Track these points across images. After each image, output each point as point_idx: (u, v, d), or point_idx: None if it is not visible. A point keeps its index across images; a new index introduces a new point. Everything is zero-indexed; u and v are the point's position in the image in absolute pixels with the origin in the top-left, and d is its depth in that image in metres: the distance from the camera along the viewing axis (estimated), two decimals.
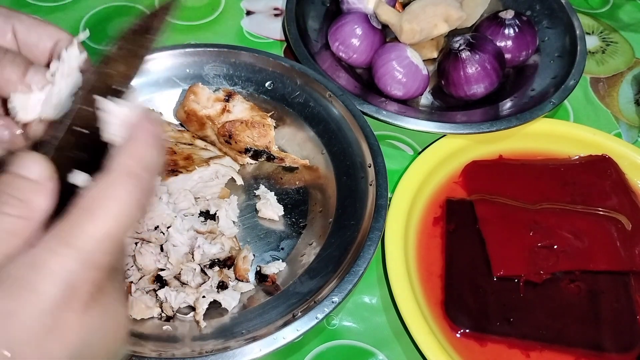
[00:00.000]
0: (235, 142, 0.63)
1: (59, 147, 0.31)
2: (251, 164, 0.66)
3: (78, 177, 0.31)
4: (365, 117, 0.64)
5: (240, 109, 0.64)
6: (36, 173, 0.29)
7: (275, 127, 0.64)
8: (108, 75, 0.34)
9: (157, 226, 0.56)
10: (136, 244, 0.55)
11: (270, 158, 0.64)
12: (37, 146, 0.32)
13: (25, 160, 0.29)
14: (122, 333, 0.30)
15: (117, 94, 0.33)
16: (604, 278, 0.57)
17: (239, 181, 0.63)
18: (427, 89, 0.73)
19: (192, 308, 0.54)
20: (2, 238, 0.27)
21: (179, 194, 0.58)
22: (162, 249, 0.56)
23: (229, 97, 0.65)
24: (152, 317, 0.54)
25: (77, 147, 0.32)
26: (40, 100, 0.36)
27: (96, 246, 0.27)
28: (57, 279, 0.26)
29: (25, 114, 0.36)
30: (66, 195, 0.29)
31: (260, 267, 0.57)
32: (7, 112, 0.36)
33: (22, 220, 0.28)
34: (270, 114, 0.66)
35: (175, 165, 0.59)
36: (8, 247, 0.27)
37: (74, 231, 0.27)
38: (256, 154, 0.64)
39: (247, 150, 0.64)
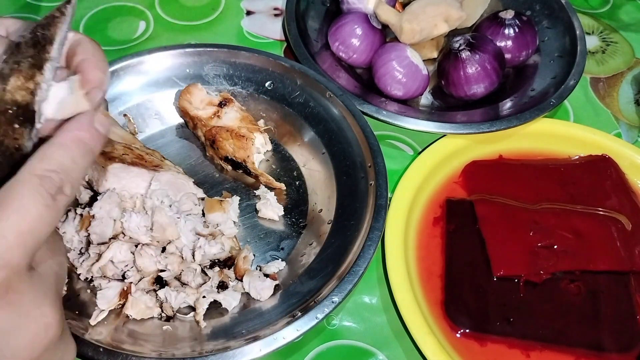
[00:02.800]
0: (217, 149, 0.63)
1: None
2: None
3: None
4: (365, 117, 0.64)
5: (231, 117, 0.64)
6: None
7: (271, 135, 0.64)
8: (2, 90, 0.33)
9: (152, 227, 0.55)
10: (136, 246, 0.55)
11: (248, 172, 0.64)
12: None
13: None
14: (44, 337, 0.29)
15: (21, 107, 0.33)
16: (604, 278, 0.57)
17: (199, 194, 0.61)
18: (427, 89, 0.73)
19: (192, 308, 0.54)
20: None
21: (181, 196, 0.58)
22: (163, 250, 0.56)
23: (225, 103, 0.65)
24: (152, 317, 0.54)
25: None
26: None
27: (5, 244, 0.27)
28: None
29: None
30: None
31: (260, 267, 0.57)
32: None
33: None
34: (266, 128, 0.66)
35: (141, 159, 0.59)
36: None
37: None
38: (235, 165, 0.64)
39: (227, 159, 0.63)
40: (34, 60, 0.34)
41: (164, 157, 0.63)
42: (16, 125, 0.32)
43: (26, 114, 0.33)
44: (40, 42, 0.34)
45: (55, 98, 0.35)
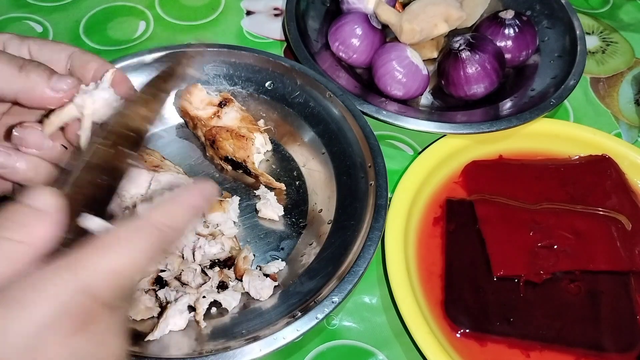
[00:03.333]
0: (217, 149, 0.63)
1: (74, 184, 0.32)
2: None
3: (92, 222, 0.31)
4: (365, 117, 0.64)
5: (231, 117, 0.64)
6: (42, 202, 0.29)
7: (271, 135, 0.64)
8: (128, 117, 0.35)
9: None
10: None
11: (248, 172, 0.64)
12: (53, 180, 0.33)
13: (34, 191, 0.30)
14: None
15: (136, 133, 0.35)
16: (604, 278, 0.57)
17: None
18: (427, 89, 0.73)
19: (192, 308, 0.54)
20: (1, 261, 0.28)
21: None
22: None
23: (225, 103, 0.65)
24: (152, 317, 0.54)
25: (91, 185, 0.32)
26: (100, 99, 0.37)
27: (99, 278, 0.28)
28: (52, 299, 0.27)
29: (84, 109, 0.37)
30: (80, 235, 0.30)
31: (260, 267, 0.57)
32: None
33: (22, 245, 0.28)
34: (266, 128, 0.66)
35: (141, 159, 0.59)
36: (6, 270, 0.27)
37: (82, 262, 0.28)
38: (235, 165, 0.64)
39: (227, 159, 0.63)
40: (159, 92, 0.36)
41: (163, 157, 0.63)
42: (129, 149, 0.34)
43: (137, 139, 0.35)
44: (171, 76, 0.37)
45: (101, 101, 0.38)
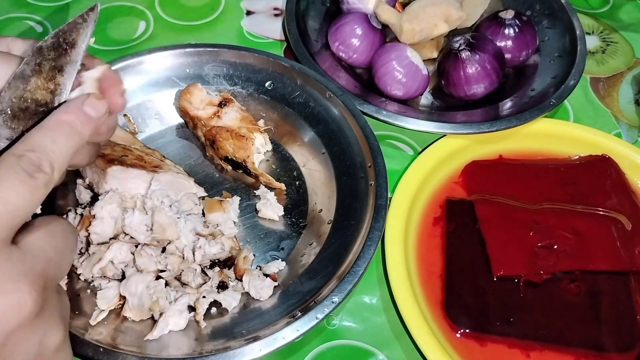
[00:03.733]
0: (217, 149, 0.63)
1: None
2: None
3: None
4: (365, 117, 0.64)
5: (231, 117, 0.64)
6: None
7: (271, 135, 0.63)
8: (20, 90, 0.35)
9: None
10: (136, 246, 0.55)
11: (248, 172, 0.64)
12: None
13: None
14: (17, 313, 0.29)
15: (41, 105, 0.35)
16: (604, 278, 0.57)
17: (200, 192, 0.61)
18: (427, 89, 0.73)
19: (192, 308, 0.54)
20: None
21: (182, 196, 0.58)
22: (163, 250, 0.56)
23: (225, 103, 0.65)
24: (152, 318, 0.54)
25: None
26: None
27: None
28: None
29: None
30: None
31: (260, 267, 0.57)
32: None
33: None
34: (266, 128, 0.66)
35: (141, 160, 0.59)
36: None
37: None
38: (235, 165, 0.64)
39: (227, 159, 0.63)
40: (55, 63, 0.36)
41: (164, 157, 0.63)
42: (37, 122, 0.34)
43: (47, 112, 0.35)
44: (61, 46, 0.36)
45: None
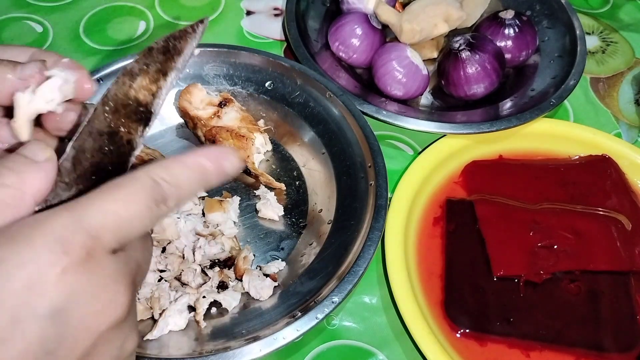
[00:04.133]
0: None
1: (74, 146, 0.32)
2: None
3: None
4: (365, 117, 0.64)
5: (231, 117, 0.64)
6: (35, 154, 0.31)
7: (271, 135, 0.63)
8: (127, 86, 0.35)
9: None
10: None
11: (248, 172, 0.64)
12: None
13: (28, 144, 0.31)
14: (113, 312, 0.29)
15: (138, 104, 0.35)
16: (604, 278, 0.57)
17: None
18: (427, 89, 0.73)
19: (192, 308, 0.54)
20: None
21: None
22: (163, 250, 0.56)
23: (225, 103, 0.65)
24: (152, 318, 0.54)
25: (96, 150, 0.33)
26: (54, 87, 0.36)
27: (98, 218, 0.28)
28: (51, 234, 0.27)
29: (42, 104, 0.37)
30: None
31: (260, 267, 0.57)
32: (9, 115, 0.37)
33: (13, 190, 0.29)
34: (266, 128, 0.66)
35: (140, 160, 0.59)
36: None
37: (80, 204, 0.28)
38: None
39: None
40: (162, 66, 0.36)
41: (163, 156, 0.63)
42: (133, 121, 0.35)
43: (144, 112, 0.35)
44: (170, 51, 0.37)
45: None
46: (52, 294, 0.26)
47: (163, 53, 0.37)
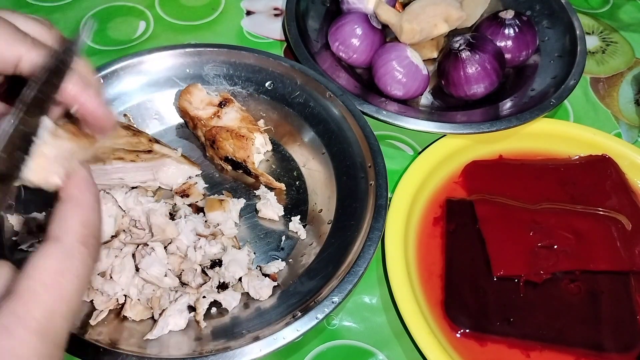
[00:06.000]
0: (217, 149, 0.63)
1: None
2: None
3: None
4: (365, 117, 0.64)
5: (231, 117, 0.64)
6: None
7: (271, 135, 0.63)
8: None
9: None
10: (137, 246, 0.55)
11: (248, 172, 0.64)
12: None
13: None
14: None
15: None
16: (604, 278, 0.57)
17: (195, 171, 0.63)
18: (427, 89, 0.73)
19: (192, 308, 0.54)
20: None
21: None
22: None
23: (225, 103, 0.65)
24: (152, 318, 0.54)
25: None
26: None
27: (55, 322, 0.29)
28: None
29: None
30: None
31: (260, 267, 0.57)
32: None
33: None
34: (266, 128, 0.66)
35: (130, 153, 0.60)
36: None
37: (34, 311, 0.28)
38: (235, 165, 0.64)
39: (227, 159, 0.63)
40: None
41: (153, 140, 0.63)
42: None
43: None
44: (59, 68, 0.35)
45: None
46: None
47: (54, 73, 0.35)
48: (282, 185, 0.64)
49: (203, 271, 0.56)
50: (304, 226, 0.61)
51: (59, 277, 0.29)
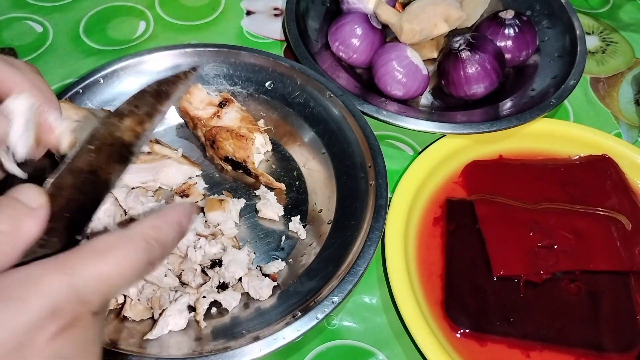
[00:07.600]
0: (217, 149, 0.63)
1: (55, 184, 0.32)
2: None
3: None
4: (365, 117, 0.64)
5: (231, 117, 0.64)
6: (30, 199, 0.30)
7: (271, 135, 0.63)
8: (114, 126, 0.35)
9: None
10: None
11: (248, 172, 0.64)
12: (36, 179, 0.33)
13: (23, 187, 0.31)
14: None
15: (122, 145, 0.35)
16: (604, 278, 0.57)
17: (195, 171, 0.63)
18: (427, 89, 0.73)
19: (192, 308, 0.54)
20: None
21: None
22: None
23: (225, 103, 0.65)
24: (152, 318, 0.54)
25: (74, 188, 0.33)
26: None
27: (89, 283, 0.28)
28: (46, 299, 0.27)
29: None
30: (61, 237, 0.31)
31: (260, 267, 0.57)
32: None
33: (9, 237, 0.29)
34: (266, 128, 0.66)
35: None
36: None
37: (75, 263, 0.28)
38: (235, 165, 0.64)
39: (227, 159, 0.63)
40: (150, 109, 0.37)
41: (153, 140, 0.63)
42: (114, 161, 0.35)
43: (126, 153, 0.35)
44: (160, 95, 0.38)
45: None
46: (36, 356, 0.27)
47: (154, 96, 0.37)
48: (282, 185, 0.64)
49: (203, 271, 0.56)
50: (304, 226, 0.61)
51: (111, 248, 0.30)
